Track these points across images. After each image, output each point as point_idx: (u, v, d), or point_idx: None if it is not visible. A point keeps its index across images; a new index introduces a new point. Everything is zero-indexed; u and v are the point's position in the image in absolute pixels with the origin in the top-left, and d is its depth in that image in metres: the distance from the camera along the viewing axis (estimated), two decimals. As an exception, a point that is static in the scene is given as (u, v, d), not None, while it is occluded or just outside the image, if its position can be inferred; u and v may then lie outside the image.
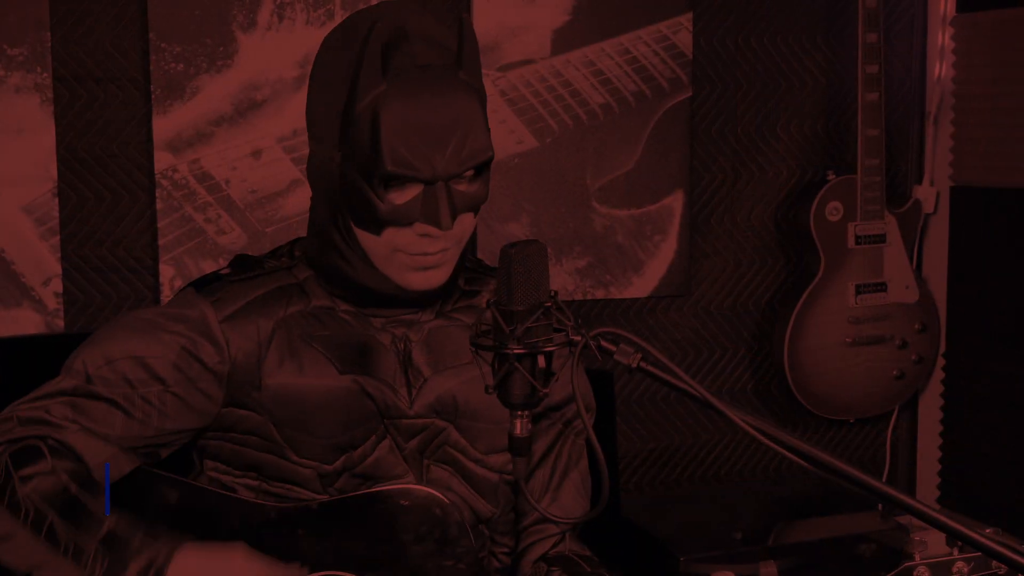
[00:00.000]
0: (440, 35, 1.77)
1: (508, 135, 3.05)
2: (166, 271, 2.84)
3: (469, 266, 1.98)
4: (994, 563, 1.77)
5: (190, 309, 1.84)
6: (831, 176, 3.27)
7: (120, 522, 1.71)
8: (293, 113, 2.88)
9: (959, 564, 1.78)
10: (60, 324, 2.79)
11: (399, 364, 1.86)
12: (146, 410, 1.80)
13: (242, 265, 1.90)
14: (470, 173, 1.75)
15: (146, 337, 1.81)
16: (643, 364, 1.45)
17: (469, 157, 1.72)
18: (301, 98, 2.87)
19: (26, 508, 1.71)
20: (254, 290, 1.85)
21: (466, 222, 1.79)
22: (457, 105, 1.71)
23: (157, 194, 2.82)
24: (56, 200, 2.76)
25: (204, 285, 1.87)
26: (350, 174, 1.73)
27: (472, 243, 3.00)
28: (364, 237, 1.77)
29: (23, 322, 2.76)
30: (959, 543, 1.79)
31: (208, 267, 2.82)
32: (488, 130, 1.77)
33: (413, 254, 1.76)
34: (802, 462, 1.40)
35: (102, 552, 1.68)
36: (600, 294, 3.20)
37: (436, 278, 1.79)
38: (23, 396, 1.83)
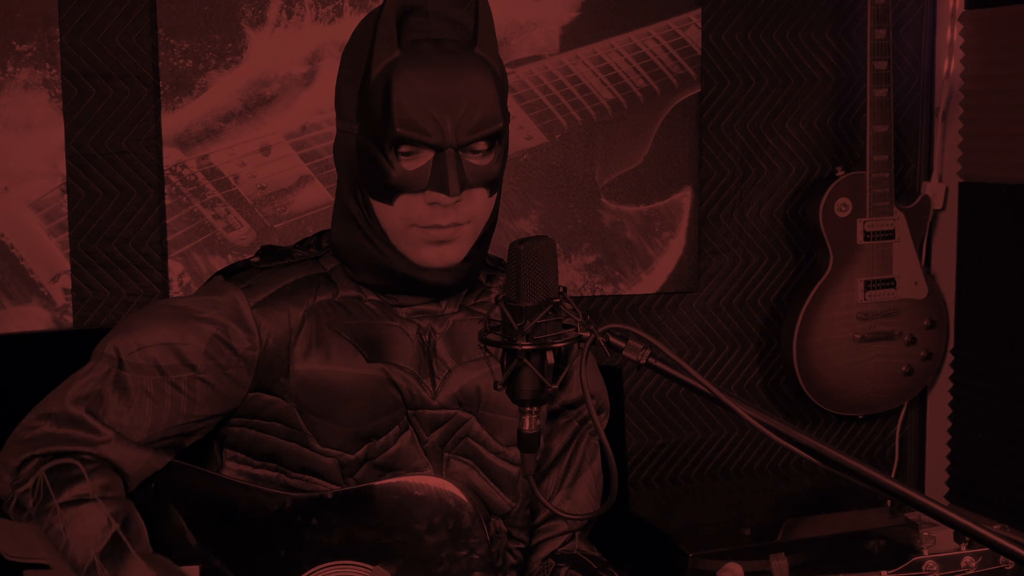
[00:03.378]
0: (457, 13, 1.81)
1: (517, 131, 3.05)
2: (175, 267, 2.84)
3: (489, 263, 1.99)
4: (1002, 559, 1.77)
5: (221, 296, 1.85)
6: (840, 172, 3.27)
7: None
8: (302, 109, 2.88)
9: (967, 559, 1.78)
10: (69, 320, 2.79)
11: (424, 355, 1.87)
12: (176, 397, 1.81)
13: (271, 254, 1.92)
14: (482, 146, 1.77)
15: (178, 324, 1.82)
16: (652, 360, 1.45)
17: (479, 126, 1.75)
18: (310, 94, 2.91)
19: (67, 540, 1.72)
20: (284, 278, 1.87)
21: (479, 199, 1.80)
22: (469, 77, 1.74)
23: (166, 190, 2.82)
24: (65, 196, 2.77)
25: (233, 273, 1.88)
26: (366, 143, 1.76)
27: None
28: (380, 209, 1.79)
29: (32, 318, 2.77)
30: (967, 538, 1.79)
31: (217, 263, 2.83)
32: (502, 105, 1.79)
33: (425, 227, 1.77)
34: (811, 458, 1.41)
35: None
36: (609, 290, 3.20)
37: (449, 254, 1.80)
38: (32, 392, 1.84)
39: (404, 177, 1.75)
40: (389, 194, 1.77)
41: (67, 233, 2.77)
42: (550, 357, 1.50)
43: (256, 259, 1.91)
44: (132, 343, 1.82)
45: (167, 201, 2.82)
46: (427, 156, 1.75)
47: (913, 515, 2.93)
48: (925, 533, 1.79)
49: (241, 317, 1.83)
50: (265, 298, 1.84)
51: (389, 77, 1.72)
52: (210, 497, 1.83)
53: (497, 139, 1.79)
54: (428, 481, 1.81)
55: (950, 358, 3.49)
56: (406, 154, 1.75)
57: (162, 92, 2.80)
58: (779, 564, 1.71)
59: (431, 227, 1.77)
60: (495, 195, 1.84)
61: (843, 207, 3.25)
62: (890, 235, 3.30)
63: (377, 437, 1.85)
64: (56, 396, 1.82)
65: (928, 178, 3.47)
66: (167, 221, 2.83)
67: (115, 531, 1.73)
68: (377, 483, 1.81)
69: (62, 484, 1.75)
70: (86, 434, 1.78)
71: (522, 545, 2.00)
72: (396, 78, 1.72)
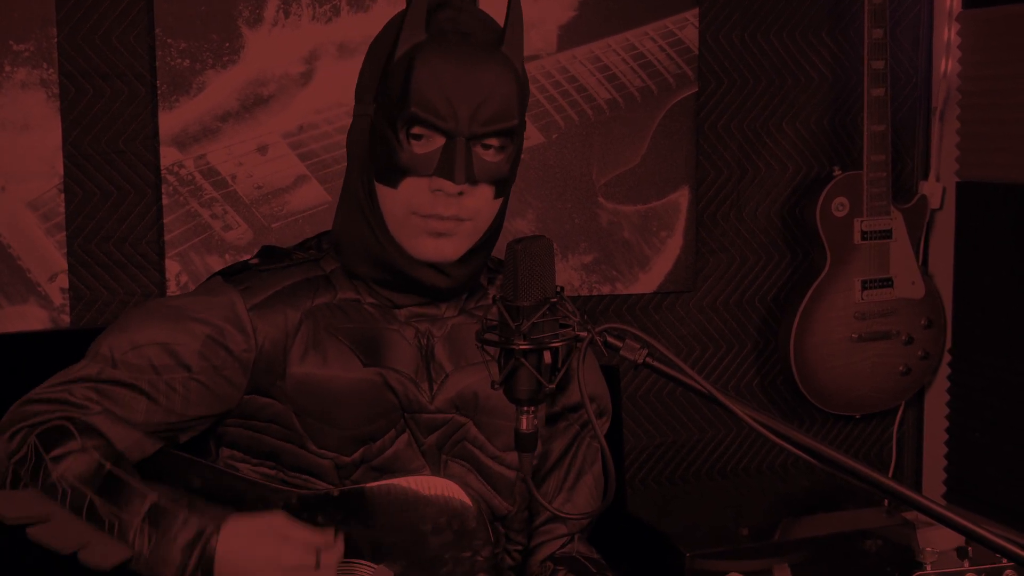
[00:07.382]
0: (486, 16, 1.82)
1: (514, 131, 3.05)
2: (172, 267, 2.84)
3: (491, 265, 1.99)
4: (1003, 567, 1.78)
5: (218, 297, 1.85)
6: (837, 172, 3.27)
7: (162, 497, 1.70)
8: (299, 109, 2.88)
9: (969, 575, 1.78)
10: (66, 320, 2.79)
11: (421, 359, 1.87)
12: (170, 396, 1.81)
13: (270, 255, 1.92)
14: (495, 142, 1.77)
15: (173, 324, 1.82)
16: (649, 360, 1.45)
17: (493, 119, 1.75)
18: (307, 94, 2.91)
19: (63, 489, 1.70)
20: (282, 280, 1.87)
21: (484, 197, 1.79)
22: (491, 70, 1.75)
23: (163, 190, 2.82)
24: (62, 196, 2.76)
25: (232, 274, 1.88)
26: (380, 124, 1.77)
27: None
28: (384, 194, 1.79)
29: (29, 318, 2.76)
30: (970, 553, 1.80)
31: (214, 263, 2.82)
32: (520, 108, 1.79)
33: (426, 216, 1.77)
34: (808, 458, 1.41)
35: (148, 527, 1.68)
36: (606, 290, 3.20)
37: (446, 249, 1.80)
38: (29, 391, 1.83)
39: (412, 159, 1.75)
40: (395, 176, 1.76)
41: (64, 233, 2.77)
42: (547, 357, 1.50)
43: (255, 260, 1.91)
44: (126, 342, 1.82)
45: (164, 201, 2.82)
46: (438, 142, 1.75)
47: (910, 515, 2.94)
48: (928, 548, 1.78)
49: (237, 319, 1.83)
50: (262, 300, 1.84)
51: (412, 57, 1.73)
52: (214, 491, 1.83)
53: (510, 137, 1.79)
54: (434, 482, 1.81)
55: (947, 358, 3.49)
56: (417, 137, 1.75)
57: (159, 92, 2.79)
58: (783, 574, 1.72)
59: (431, 216, 1.77)
60: (501, 199, 1.83)
61: (840, 207, 3.25)
62: (887, 235, 3.30)
63: (374, 440, 1.85)
64: (45, 386, 1.82)
65: (925, 178, 3.47)
66: (164, 221, 2.83)
67: (108, 470, 1.72)
68: (383, 482, 1.81)
69: (52, 443, 1.73)
70: (76, 409, 1.77)
71: (520, 547, 2.00)
72: (419, 59, 1.73)
